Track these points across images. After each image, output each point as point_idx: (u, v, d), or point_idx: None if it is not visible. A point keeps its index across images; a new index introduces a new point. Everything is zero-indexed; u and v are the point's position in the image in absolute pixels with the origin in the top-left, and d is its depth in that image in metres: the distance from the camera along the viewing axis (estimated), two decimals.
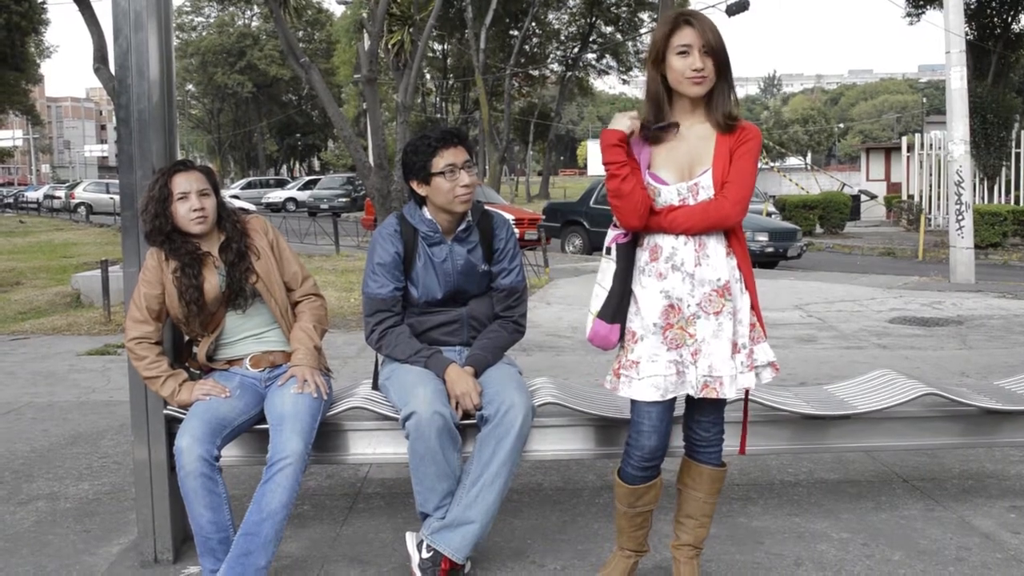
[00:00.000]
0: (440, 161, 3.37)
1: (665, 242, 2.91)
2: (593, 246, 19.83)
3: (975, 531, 3.72)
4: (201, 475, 3.14)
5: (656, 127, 2.91)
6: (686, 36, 2.84)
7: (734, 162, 2.89)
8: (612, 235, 2.98)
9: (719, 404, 3.04)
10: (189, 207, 3.34)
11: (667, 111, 2.94)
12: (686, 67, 2.84)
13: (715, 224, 2.88)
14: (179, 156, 3.63)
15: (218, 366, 3.52)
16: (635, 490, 3.05)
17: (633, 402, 2.97)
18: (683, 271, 2.89)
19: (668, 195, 2.90)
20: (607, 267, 3.00)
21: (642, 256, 2.96)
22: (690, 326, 2.88)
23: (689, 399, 3.03)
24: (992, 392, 4.00)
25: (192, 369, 3.54)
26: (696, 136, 2.93)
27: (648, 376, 2.88)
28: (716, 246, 2.91)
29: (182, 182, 3.34)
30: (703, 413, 3.07)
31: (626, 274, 2.97)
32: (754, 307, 2.98)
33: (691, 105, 2.92)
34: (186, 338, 3.61)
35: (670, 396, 2.91)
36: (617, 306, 2.96)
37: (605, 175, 2.94)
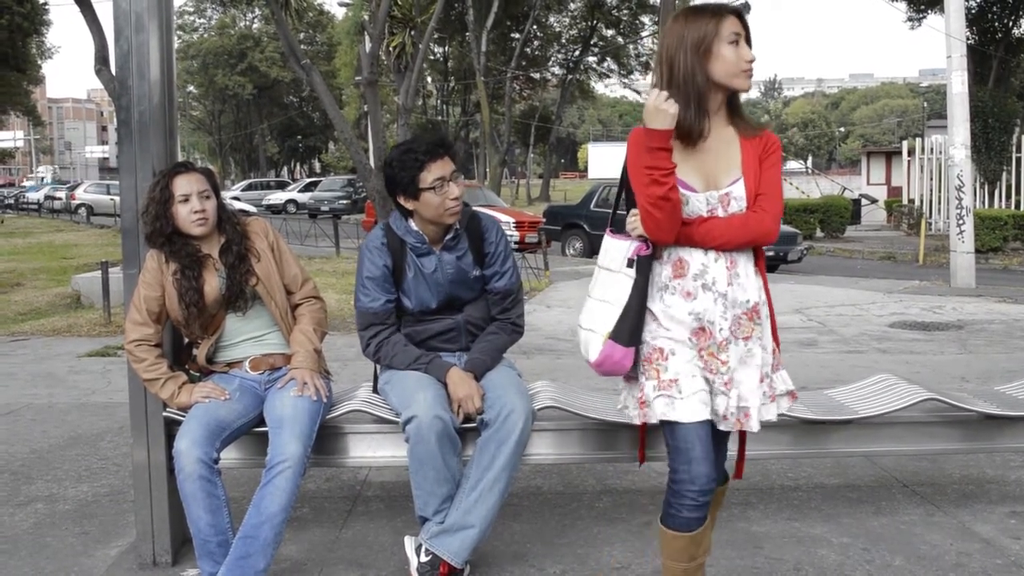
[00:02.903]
0: (428, 176, 3.30)
1: (693, 257, 2.63)
2: (593, 249, 19.81)
3: (975, 537, 3.71)
4: (200, 478, 3.13)
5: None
6: (735, 24, 2.61)
7: (765, 172, 2.66)
8: (630, 246, 2.67)
9: None
10: (190, 209, 3.33)
11: (707, 110, 2.63)
12: (739, 58, 2.60)
13: (754, 240, 2.64)
14: (180, 158, 3.63)
15: (218, 368, 3.51)
16: (694, 537, 2.65)
17: (675, 429, 2.59)
18: (715, 291, 2.61)
19: (697, 204, 2.63)
20: (618, 281, 2.69)
21: (663, 271, 2.67)
22: (722, 352, 2.61)
23: None
24: (992, 397, 4.00)
25: (192, 371, 3.53)
26: (721, 140, 2.67)
27: (693, 392, 2.57)
28: (747, 264, 2.67)
29: (183, 184, 3.34)
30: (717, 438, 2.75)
31: (646, 290, 2.66)
32: (774, 332, 2.75)
33: (717, 106, 2.67)
34: (186, 340, 3.61)
35: (708, 416, 2.61)
36: (633, 326, 2.64)
37: (634, 179, 2.61)
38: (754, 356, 2.65)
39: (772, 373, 2.72)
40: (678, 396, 2.58)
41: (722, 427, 2.64)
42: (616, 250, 2.73)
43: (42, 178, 78.32)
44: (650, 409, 2.62)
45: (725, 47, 2.59)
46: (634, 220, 2.66)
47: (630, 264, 2.67)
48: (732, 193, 2.63)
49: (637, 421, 2.69)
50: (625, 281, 2.67)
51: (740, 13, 2.63)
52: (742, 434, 2.89)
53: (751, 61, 2.62)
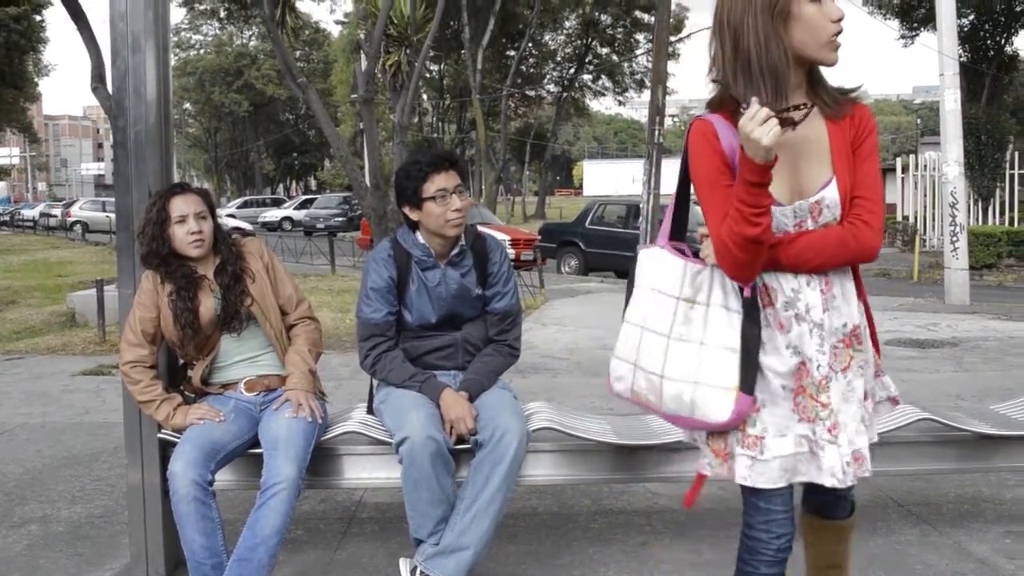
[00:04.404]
0: (431, 186, 3.37)
1: (782, 283, 2.18)
2: (589, 267, 19.84)
3: (971, 557, 3.70)
4: (194, 499, 3.12)
5: (786, 113, 2.02)
6: None
7: (860, 166, 2.16)
8: (714, 274, 2.19)
9: None
10: (187, 230, 3.33)
11: (785, 92, 2.06)
12: (824, 18, 2.05)
13: (855, 260, 2.20)
14: (176, 176, 3.64)
15: (213, 390, 3.51)
16: None
17: (753, 489, 2.23)
18: (810, 320, 2.17)
19: (782, 219, 2.15)
20: (726, 319, 2.17)
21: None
22: (822, 393, 2.18)
23: None
24: (987, 417, 4.00)
25: (187, 393, 3.53)
26: (804, 130, 2.12)
27: (777, 457, 2.17)
28: (843, 283, 2.22)
29: (180, 205, 3.34)
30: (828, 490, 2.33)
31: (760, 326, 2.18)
32: (875, 345, 2.35)
33: (796, 84, 2.13)
34: (181, 361, 3.60)
35: (799, 479, 2.21)
36: (756, 372, 2.16)
37: (708, 200, 2.15)
38: (855, 391, 2.22)
39: (874, 380, 2.35)
40: (760, 457, 2.18)
41: (838, 484, 2.19)
42: (702, 279, 2.23)
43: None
44: (734, 463, 2.22)
45: (807, 5, 2.06)
46: (708, 247, 2.21)
47: (751, 303, 2.16)
48: (824, 200, 2.15)
49: (711, 472, 2.29)
50: (734, 320, 2.17)
51: None
52: None
53: (840, 20, 2.07)
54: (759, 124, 1.94)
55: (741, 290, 2.17)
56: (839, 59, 2.11)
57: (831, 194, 2.14)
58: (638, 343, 2.27)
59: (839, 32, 2.09)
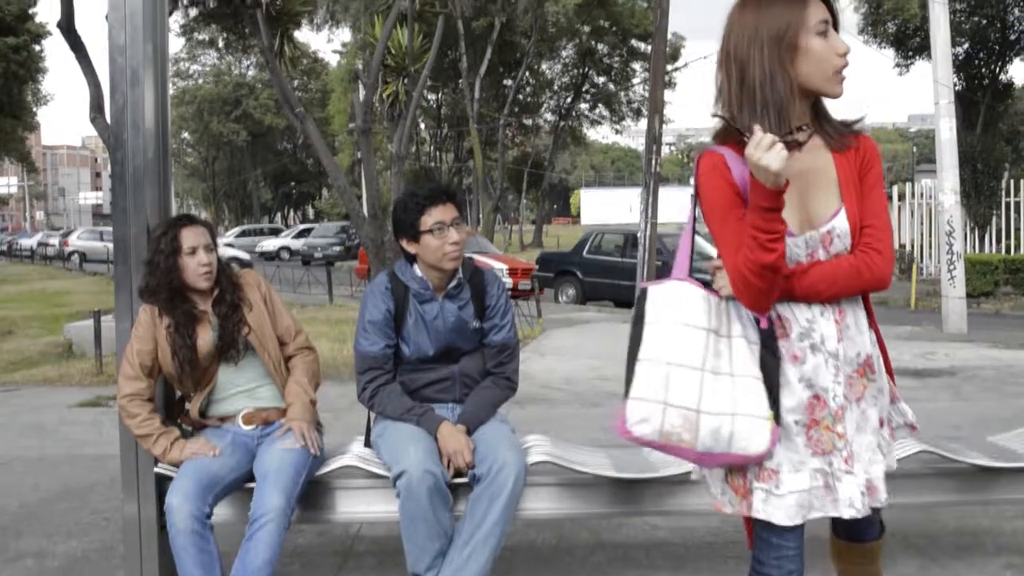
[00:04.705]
0: (428, 219, 3.38)
1: (796, 313, 2.19)
2: (586, 296, 19.84)
3: None
4: (192, 533, 3.11)
5: (789, 136, 2.07)
6: (822, 9, 2.11)
7: (867, 195, 2.18)
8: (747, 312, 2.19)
9: None
10: (198, 262, 3.35)
11: (790, 123, 2.10)
12: (831, 52, 2.09)
13: (868, 289, 2.22)
14: (174, 206, 3.65)
15: (211, 422, 3.50)
16: None
17: (766, 521, 2.20)
18: (825, 351, 2.17)
19: (794, 249, 2.17)
20: (748, 351, 2.19)
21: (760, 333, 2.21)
22: (838, 423, 2.17)
23: None
24: (986, 448, 3.98)
25: (184, 426, 3.52)
26: (811, 161, 2.17)
27: (791, 492, 2.15)
28: (855, 313, 2.24)
29: (190, 236, 3.35)
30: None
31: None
32: (888, 371, 2.35)
33: (799, 116, 2.16)
34: (178, 394, 3.60)
35: (815, 515, 2.18)
36: (778, 402, 2.16)
37: (719, 229, 2.16)
38: (869, 420, 2.24)
39: (890, 406, 2.35)
40: (775, 491, 2.16)
41: (857, 514, 2.18)
42: (729, 312, 2.23)
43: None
44: (754, 499, 2.19)
45: (814, 39, 2.09)
46: (722, 279, 2.22)
47: (767, 336, 2.17)
48: (835, 230, 2.17)
49: (731, 510, 2.26)
50: (752, 350, 2.18)
51: None
52: None
53: (845, 54, 2.11)
54: (765, 150, 1.95)
55: (758, 321, 2.18)
56: (843, 91, 2.14)
57: (841, 224, 2.16)
58: (665, 380, 2.17)
59: (845, 65, 2.12)
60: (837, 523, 2.51)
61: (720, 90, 2.19)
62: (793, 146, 2.04)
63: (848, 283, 2.16)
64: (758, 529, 2.25)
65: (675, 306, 2.23)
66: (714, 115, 2.21)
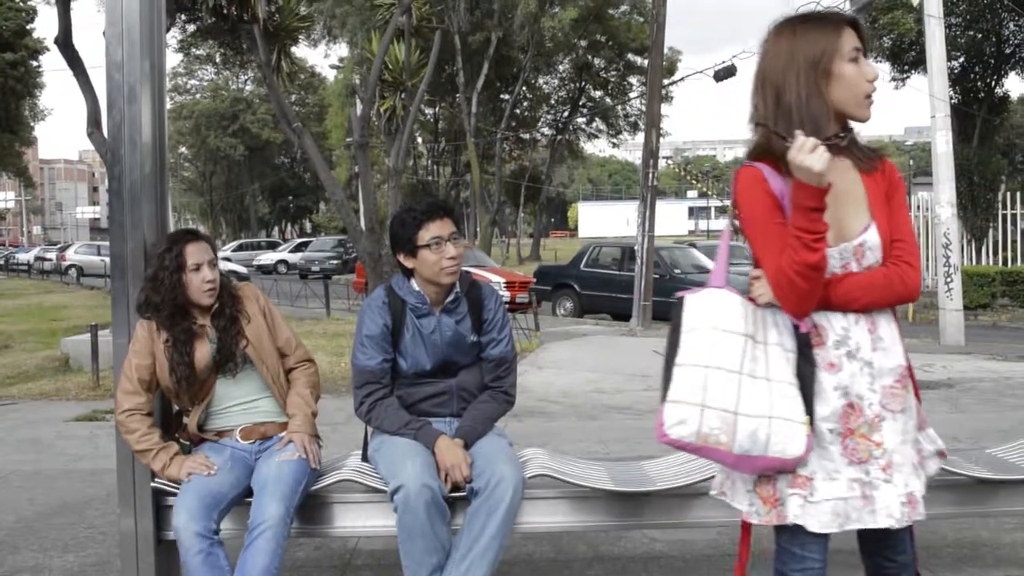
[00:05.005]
0: (426, 234, 3.38)
1: (832, 322, 2.26)
2: (584, 309, 19.85)
3: None
4: (200, 551, 3.10)
5: (830, 140, 2.19)
6: (854, 37, 2.23)
7: (895, 213, 2.30)
8: (787, 318, 2.27)
9: None
10: (202, 279, 3.35)
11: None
12: (861, 78, 2.22)
13: (900, 299, 2.28)
14: (171, 222, 3.65)
15: (208, 436, 3.49)
16: None
17: (793, 531, 2.25)
18: (860, 359, 2.24)
19: (829, 260, 2.23)
20: (784, 358, 2.25)
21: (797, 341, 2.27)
22: (875, 432, 2.22)
23: None
24: (984, 460, 3.98)
25: (182, 440, 3.51)
26: (842, 180, 2.26)
27: (827, 499, 2.19)
28: (888, 324, 2.30)
29: (195, 252, 3.35)
30: (891, 533, 2.33)
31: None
32: (916, 396, 2.37)
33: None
34: (175, 409, 3.59)
35: (851, 527, 2.22)
36: (812, 408, 2.23)
37: (760, 238, 2.24)
38: (909, 432, 2.28)
39: (918, 433, 2.36)
40: (811, 498, 2.20)
41: (895, 524, 2.21)
42: (764, 319, 2.30)
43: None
44: (784, 508, 2.23)
45: (846, 65, 2.21)
46: (761, 287, 2.29)
47: (804, 342, 2.24)
48: (867, 243, 2.26)
49: (757, 520, 2.29)
50: (789, 357, 2.25)
51: (857, 23, 2.26)
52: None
53: (875, 80, 2.25)
54: (808, 152, 2.08)
55: (796, 328, 2.25)
56: (871, 116, 2.26)
57: (872, 238, 2.26)
58: (703, 383, 2.22)
59: (874, 91, 2.25)
60: (872, 571, 2.50)
61: (756, 111, 2.30)
62: (833, 149, 2.14)
63: (882, 293, 2.25)
64: (783, 541, 2.29)
65: (712, 312, 2.29)
66: (757, 124, 2.31)
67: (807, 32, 2.24)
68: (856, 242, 2.26)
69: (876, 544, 2.41)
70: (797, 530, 2.23)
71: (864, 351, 2.24)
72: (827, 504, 2.19)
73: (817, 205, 2.12)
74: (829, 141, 2.16)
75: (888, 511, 2.20)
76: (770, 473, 2.26)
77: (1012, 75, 30.64)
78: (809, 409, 2.20)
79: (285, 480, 3.21)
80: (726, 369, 2.22)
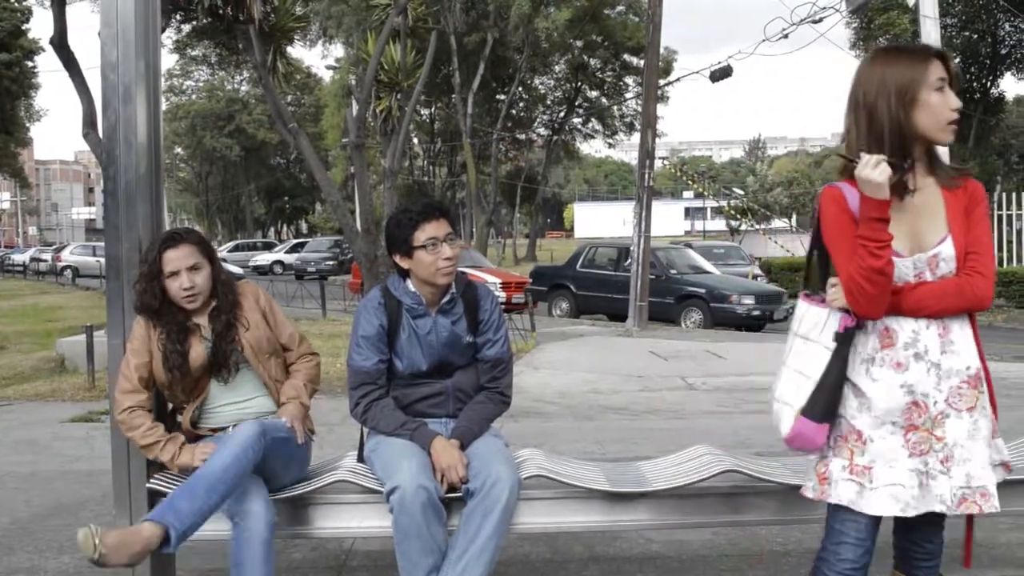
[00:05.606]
0: (422, 235, 3.38)
1: (903, 325, 2.46)
2: (580, 310, 19.85)
3: None
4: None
5: (893, 160, 2.38)
6: (940, 68, 2.43)
7: (973, 227, 2.47)
8: (830, 316, 2.51)
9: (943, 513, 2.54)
10: (179, 285, 3.34)
11: (912, 163, 2.45)
12: (945, 106, 2.41)
13: (971, 307, 2.48)
14: (167, 222, 3.64)
15: (202, 433, 3.50)
16: None
17: (836, 508, 2.52)
18: (927, 360, 2.45)
19: (903, 269, 2.45)
20: (817, 352, 2.52)
21: (869, 342, 2.50)
22: (937, 427, 2.44)
23: None
24: None
25: None
26: (924, 195, 2.48)
27: (886, 485, 2.43)
28: (962, 329, 2.50)
29: (172, 260, 3.34)
30: (926, 522, 2.58)
31: (846, 364, 2.50)
32: (991, 398, 2.58)
33: (918, 157, 2.49)
34: (169, 407, 3.59)
35: (911, 513, 2.44)
36: (828, 402, 2.49)
37: (838, 248, 2.47)
38: (980, 429, 2.47)
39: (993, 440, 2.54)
40: (869, 485, 2.44)
41: (946, 511, 2.45)
42: (814, 318, 2.56)
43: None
44: (831, 488, 2.49)
45: (932, 94, 2.41)
46: (835, 292, 2.51)
47: (836, 338, 2.49)
48: (941, 254, 2.46)
49: (811, 495, 2.55)
50: (823, 353, 2.51)
51: (945, 56, 2.45)
52: (969, 517, 2.70)
53: (957, 109, 2.44)
54: (872, 168, 2.32)
55: (840, 334, 2.49)
56: (952, 140, 2.48)
57: (947, 249, 2.45)
58: (776, 379, 2.64)
59: (956, 119, 2.45)
60: (900, 555, 2.82)
61: (848, 132, 2.53)
62: (895, 168, 2.35)
63: (953, 300, 2.45)
64: (833, 520, 2.54)
65: (793, 318, 2.66)
66: (837, 155, 2.58)
67: (898, 62, 2.44)
68: (931, 253, 2.45)
69: (911, 531, 2.68)
70: (839, 510, 2.49)
71: (932, 353, 2.44)
72: (885, 490, 2.42)
73: (880, 215, 2.34)
74: (893, 160, 2.35)
75: (941, 498, 2.43)
76: (802, 453, 2.62)
77: (1008, 76, 30.78)
78: (819, 402, 2.48)
79: (236, 437, 3.17)
80: (782, 362, 2.62)
